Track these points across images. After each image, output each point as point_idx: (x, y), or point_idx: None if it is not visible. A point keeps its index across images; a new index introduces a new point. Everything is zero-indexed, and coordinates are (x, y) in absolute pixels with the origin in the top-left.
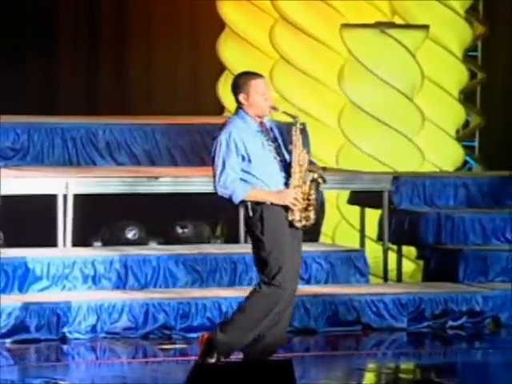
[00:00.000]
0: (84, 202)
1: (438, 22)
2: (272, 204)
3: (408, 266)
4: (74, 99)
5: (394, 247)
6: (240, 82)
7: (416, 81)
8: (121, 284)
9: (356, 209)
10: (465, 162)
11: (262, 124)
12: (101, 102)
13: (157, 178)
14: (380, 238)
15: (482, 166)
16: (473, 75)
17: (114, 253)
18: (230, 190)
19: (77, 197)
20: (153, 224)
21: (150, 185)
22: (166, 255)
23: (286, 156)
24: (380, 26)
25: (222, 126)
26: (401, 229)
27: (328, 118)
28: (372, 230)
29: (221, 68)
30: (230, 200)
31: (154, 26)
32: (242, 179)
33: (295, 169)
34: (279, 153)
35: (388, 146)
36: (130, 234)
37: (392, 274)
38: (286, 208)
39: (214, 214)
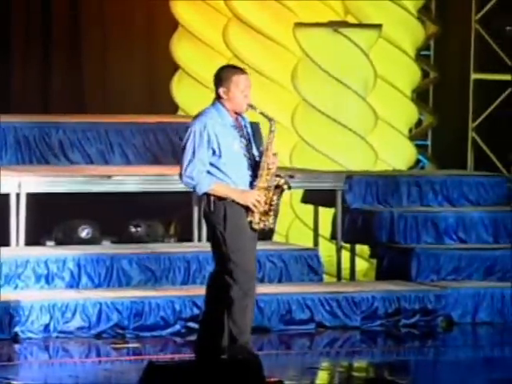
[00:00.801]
0: (37, 201)
1: (390, 21)
2: (234, 201)
3: (361, 265)
4: (27, 98)
5: (348, 246)
6: (222, 76)
7: (369, 80)
8: (74, 283)
9: (309, 208)
10: (417, 161)
11: (237, 120)
12: (54, 102)
13: (110, 176)
14: (333, 237)
15: (435, 165)
16: (425, 74)
17: (67, 252)
18: (196, 181)
19: (29, 196)
20: (106, 223)
21: (103, 184)
22: (119, 254)
23: (255, 155)
24: (333, 25)
25: (196, 116)
26: (354, 227)
27: (281, 117)
28: (325, 228)
29: (175, 67)
30: (193, 190)
31: (108, 24)
32: (208, 172)
33: (263, 171)
34: (249, 151)
35: (341, 144)
36: (83, 233)
37: (345, 272)
38: (247, 208)
39: (167, 212)
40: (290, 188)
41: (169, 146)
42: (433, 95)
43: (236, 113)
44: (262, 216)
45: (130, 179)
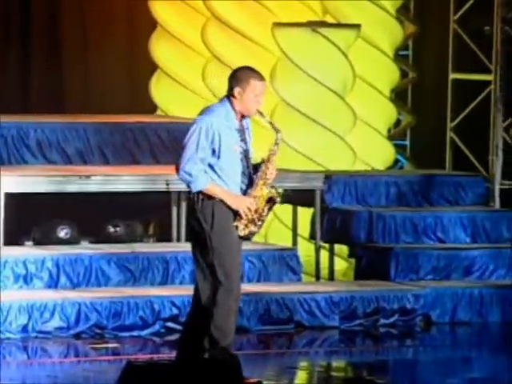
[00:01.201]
0: (15, 201)
1: (369, 21)
2: (223, 203)
3: (340, 265)
4: (6, 98)
5: (326, 246)
6: (241, 76)
7: (348, 80)
8: (53, 283)
9: (288, 207)
10: (396, 161)
11: (241, 123)
12: (34, 102)
13: (88, 176)
14: (312, 237)
15: (413, 165)
16: (404, 74)
17: (45, 252)
18: (193, 178)
19: (8, 196)
20: (85, 223)
21: (82, 184)
22: (98, 254)
23: (251, 162)
24: (312, 25)
25: (203, 111)
26: (333, 227)
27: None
28: (304, 228)
29: (155, 67)
30: (187, 186)
31: (88, 24)
32: (205, 172)
33: (260, 180)
34: (246, 157)
35: (320, 144)
36: (62, 233)
37: (324, 272)
38: (235, 213)
39: (146, 212)
40: (281, 202)
41: (148, 146)
42: (411, 95)
43: (243, 116)
44: (248, 223)
45: (109, 179)
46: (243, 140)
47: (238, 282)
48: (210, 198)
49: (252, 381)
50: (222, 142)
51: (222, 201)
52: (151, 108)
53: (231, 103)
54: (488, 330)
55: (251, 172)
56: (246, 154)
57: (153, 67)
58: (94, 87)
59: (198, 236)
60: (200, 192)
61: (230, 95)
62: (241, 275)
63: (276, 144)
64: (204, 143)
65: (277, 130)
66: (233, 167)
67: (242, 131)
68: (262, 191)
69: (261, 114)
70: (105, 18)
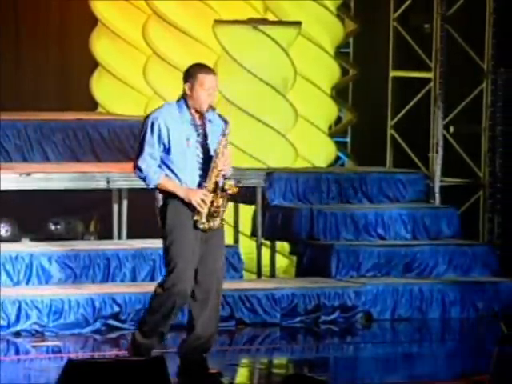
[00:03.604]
0: None
1: (310, 19)
2: (179, 199)
3: (281, 262)
4: None
5: (268, 243)
6: (190, 72)
7: (289, 77)
8: None
9: (230, 204)
10: (337, 158)
11: (201, 117)
12: None
13: (29, 174)
14: (253, 234)
15: (354, 162)
16: (345, 72)
17: None
18: (144, 174)
19: None
20: (25, 221)
21: (22, 181)
22: (38, 252)
23: (211, 155)
24: (253, 22)
25: (156, 109)
26: (274, 224)
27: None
28: (246, 225)
29: (93, 64)
30: (144, 183)
31: (22, 22)
32: (160, 167)
33: (213, 173)
34: (204, 151)
35: (261, 141)
36: (3, 231)
37: (265, 269)
38: (193, 207)
39: (87, 210)
40: (237, 193)
41: (88, 144)
42: (352, 92)
43: (197, 111)
44: (208, 216)
45: (50, 177)
46: (200, 135)
47: (185, 282)
48: (165, 193)
49: (213, 371)
50: (171, 136)
51: (178, 198)
52: (88, 105)
53: (185, 100)
54: (428, 326)
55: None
56: (203, 149)
57: (88, 64)
58: (29, 86)
59: (160, 230)
60: (157, 189)
61: (183, 92)
62: (215, 274)
63: (224, 135)
64: (152, 139)
65: (225, 122)
66: (186, 162)
67: (200, 126)
68: (215, 183)
69: (212, 108)
70: (39, 15)
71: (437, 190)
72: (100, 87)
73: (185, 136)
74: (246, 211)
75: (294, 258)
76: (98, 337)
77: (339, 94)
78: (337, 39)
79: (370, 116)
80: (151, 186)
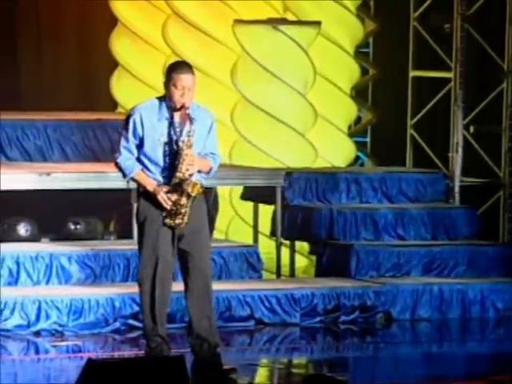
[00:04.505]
0: None
1: (329, 18)
2: (149, 194)
3: (301, 262)
4: None
5: (287, 243)
6: (167, 71)
7: (308, 77)
8: (13, 280)
9: (249, 204)
10: (357, 158)
11: (183, 114)
12: None
13: (48, 173)
14: (273, 234)
15: (374, 162)
16: (364, 71)
17: (5, 249)
18: (122, 166)
19: None
20: (45, 220)
21: (42, 181)
22: (58, 252)
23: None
24: (272, 22)
25: (138, 104)
26: (294, 224)
27: (221, 114)
28: (265, 225)
29: (112, 64)
30: (122, 175)
31: (44, 21)
32: (137, 159)
33: (178, 173)
34: (178, 148)
35: (281, 142)
36: (23, 231)
37: (285, 269)
38: (160, 204)
39: (107, 210)
40: (198, 193)
41: (108, 143)
42: (372, 92)
43: (174, 109)
44: (171, 213)
45: (70, 176)
46: (176, 133)
47: (148, 268)
48: (140, 187)
49: (227, 367)
50: (145, 132)
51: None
52: (108, 105)
53: (165, 97)
54: (448, 326)
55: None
56: (176, 146)
57: (108, 64)
58: (50, 85)
59: None
60: (134, 182)
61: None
62: (203, 273)
63: (189, 136)
64: (127, 133)
65: (191, 122)
66: (158, 158)
67: (179, 122)
68: (180, 182)
69: (183, 107)
70: (60, 15)
71: (457, 189)
72: (120, 87)
73: (159, 133)
74: (266, 211)
75: (314, 258)
76: (117, 336)
77: (359, 93)
78: (357, 39)
79: (389, 116)
80: (126, 179)
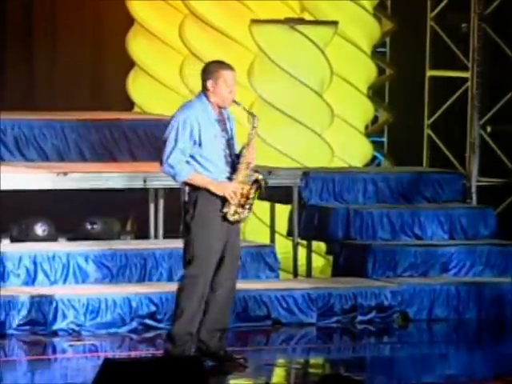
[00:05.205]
0: None
1: (346, 18)
2: (209, 193)
3: (317, 261)
4: None
5: (304, 242)
6: (211, 69)
7: (325, 77)
8: (30, 280)
9: (266, 204)
10: (373, 158)
11: (220, 113)
12: (6, 99)
13: (66, 173)
14: (290, 234)
15: (391, 162)
16: (381, 71)
17: (22, 249)
18: (175, 170)
19: None
20: (62, 220)
21: (59, 181)
22: (75, 251)
23: (235, 151)
24: (289, 21)
25: (181, 107)
26: (310, 224)
27: (237, 114)
28: (282, 225)
29: (129, 64)
30: (173, 179)
31: (60, 21)
32: (188, 163)
33: (242, 165)
34: (229, 146)
35: (298, 141)
36: (40, 231)
37: (302, 269)
38: (223, 200)
39: (124, 209)
40: (266, 184)
41: (125, 143)
42: (389, 92)
43: (219, 107)
44: (237, 208)
45: (87, 176)
46: (224, 130)
47: (207, 274)
48: (195, 188)
49: (236, 357)
50: (202, 132)
51: (207, 190)
52: (123, 105)
53: (207, 97)
54: (465, 326)
55: (235, 160)
56: (228, 143)
57: (125, 64)
58: (65, 85)
59: (183, 225)
60: (186, 184)
61: (204, 89)
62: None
63: (254, 128)
64: (183, 135)
65: (253, 115)
66: (215, 157)
67: (222, 121)
68: (245, 175)
69: (236, 102)
70: (75, 15)
71: (474, 189)
72: (136, 87)
73: (213, 132)
74: (282, 211)
75: (331, 258)
76: (134, 336)
77: (376, 93)
78: (373, 39)
79: (406, 116)
80: (181, 181)
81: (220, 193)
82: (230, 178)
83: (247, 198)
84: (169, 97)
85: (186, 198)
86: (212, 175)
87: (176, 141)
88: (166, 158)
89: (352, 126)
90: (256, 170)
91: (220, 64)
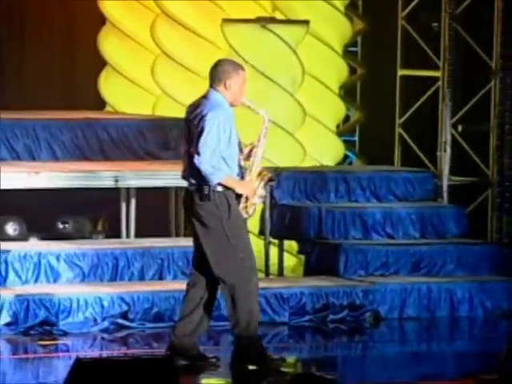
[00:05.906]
0: None
1: (318, 17)
2: (233, 192)
3: (289, 261)
4: None
5: (276, 241)
6: (231, 69)
7: (297, 76)
8: (1, 280)
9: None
10: (345, 157)
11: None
12: None
13: (37, 173)
14: (262, 233)
15: (362, 161)
16: (353, 71)
17: None
18: (213, 171)
19: None
20: (34, 219)
21: (31, 180)
22: (47, 251)
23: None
24: (261, 21)
25: (210, 105)
26: (282, 223)
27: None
28: (254, 224)
29: (100, 63)
30: (204, 178)
31: (28, 20)
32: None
33: (254, 164)
34: (239, 144)
35: (269, 141)
36: (11, 230)
37: (273, 268)
38: (238, 197)
39: (95, 209)
40: (273, 181)
41: (96, 143)
42: (360, 91)
43: (231, 105)
44: (251, 206)
45: (58, 175)
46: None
47: (255, 268)
48: (222, 188)
49: (275, 357)
50: (232, 132)
51: (230, 189)
52: (94, 104)
53: (222, 96)
54: (436, 325)
55: (240, 158)
56: (239, 141)
57: (96, 63)
58: (34, 84)
59: (206, 226)
60: (219, 184)
61: (221, 87)
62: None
63: (265, 126)
64: (223, 137)
65: (265, 116)
66: (235, 155)
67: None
68: (256, 173)
69: (246, 102)
70: (44, 15)
71: (445, 188)
72: (108, 86)
73: (235, 131)
74: None
75: (302, 257)
76: (106, 336)
77: (347, 92)
78: (345, 38)
79: (378, 115)
80: (214, 183)
81: (244, 192)
82: (243, 177)
83: (260, 196)
84: (141, 96)
85: (211, 198)
86: (233, 173)
87: (217, 142)
88: (208, 157)
89: (324, 125)
90: (263, 167)
91: (238, 64)
